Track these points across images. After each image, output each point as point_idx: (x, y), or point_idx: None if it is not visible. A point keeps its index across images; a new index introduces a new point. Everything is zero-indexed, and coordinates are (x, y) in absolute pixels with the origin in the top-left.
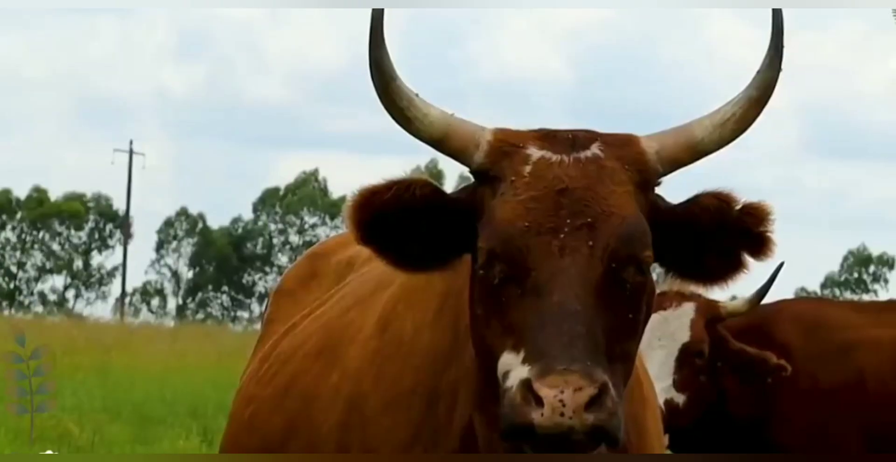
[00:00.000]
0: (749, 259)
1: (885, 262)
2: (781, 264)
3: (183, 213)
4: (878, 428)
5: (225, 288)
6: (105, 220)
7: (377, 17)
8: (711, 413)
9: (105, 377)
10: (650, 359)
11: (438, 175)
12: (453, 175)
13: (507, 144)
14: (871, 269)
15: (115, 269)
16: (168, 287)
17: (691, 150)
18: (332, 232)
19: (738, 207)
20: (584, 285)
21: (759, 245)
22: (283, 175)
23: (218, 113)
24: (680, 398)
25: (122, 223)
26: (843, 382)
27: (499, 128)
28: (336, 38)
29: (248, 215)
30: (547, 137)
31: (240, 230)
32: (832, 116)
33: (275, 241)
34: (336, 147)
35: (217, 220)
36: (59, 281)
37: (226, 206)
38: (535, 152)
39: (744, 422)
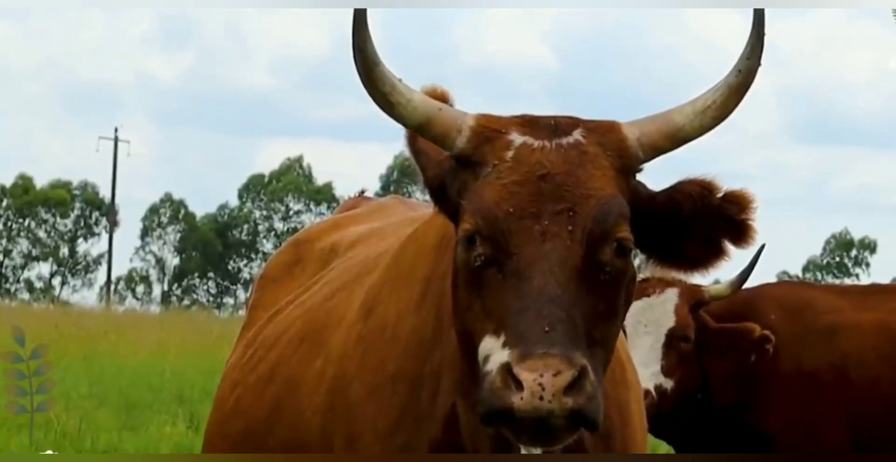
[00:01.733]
0: (730, 246)
1: (866, 245)
2: (762, 247)
3: (168, 199)
4: (860, 411)
5: (210, 274)
6: (91, 208)
7: (360, 13)
8: (695, 398)
9: (91, 364)
10: (637, 345)
11: None
12: None
13: (490, 130)
14: (853, 252)
15: (101, 256)
16: (153, 274)
17: (672, 137)
18: (316, 218)
19: (720, 195)
20: (565, 270)
21: (741, 233)
22: (267, 162)
23: (203, 100)
24: (668, 384)
25: (108, 211)
26: (826, 366)
27: (481, 114)
28: (321, 26)
29: (233, 202)
30: (529, 123)
31: (225, 217)
32: (815, 102)
33: (259, 227)
34: (320, 134)
35: (202, 207)
36: (45, 268)
37: (211, 193)
38: (517, 138)
39: (727, 406)
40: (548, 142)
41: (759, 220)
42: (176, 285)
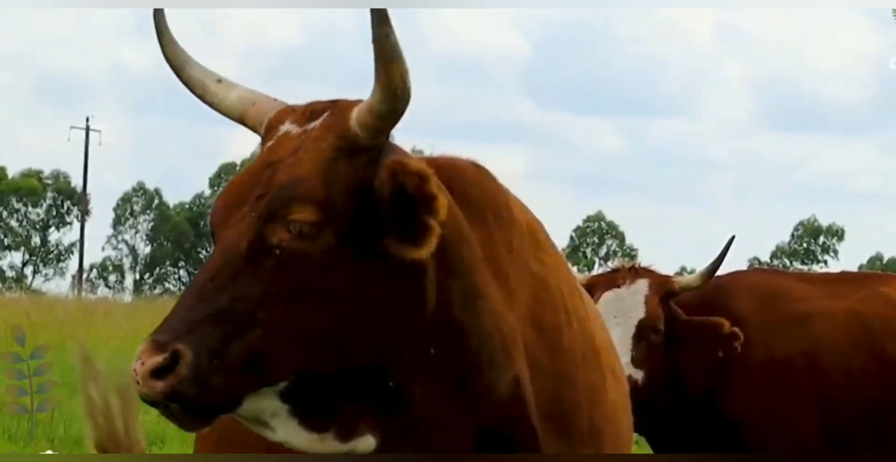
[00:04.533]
0: (430, 219)
1: (834, 232)
2: (732, 238)
3: (140, 188)
4: (831, 399)
5: (182, 263)
6: (62, 197)
7: (159, 15)
8: (666, 388)
9: (63, 353)
10: None
11: None
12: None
13: (274, 122)
14: (821, 239)
15: (73, 245)
16: (126, 263)
17: (372, 114)
18: None
19: (403, 173)
20: (226, 255)
21: (428, 206)
22: (240, 150)
23: (174, 89)
24: (638, 374)
25: (80, 200)
26: (797, 354)
27: (286, 106)
28: (292, 16)
29: (208, 191)
30: (300, 111)
31: (200, 206)
32: (786, 90)
33: None
34: None
35: (174, 196)
36: (17, 257)
37: (183, 182)
38: (283, 128)
39: (698, 396)
40: (298, 128)
41: (728, 208)
42: (148, 274)
